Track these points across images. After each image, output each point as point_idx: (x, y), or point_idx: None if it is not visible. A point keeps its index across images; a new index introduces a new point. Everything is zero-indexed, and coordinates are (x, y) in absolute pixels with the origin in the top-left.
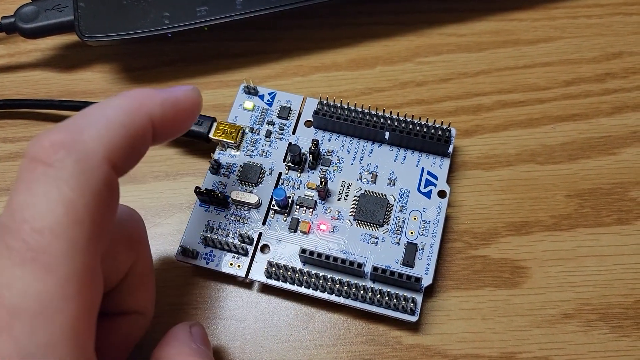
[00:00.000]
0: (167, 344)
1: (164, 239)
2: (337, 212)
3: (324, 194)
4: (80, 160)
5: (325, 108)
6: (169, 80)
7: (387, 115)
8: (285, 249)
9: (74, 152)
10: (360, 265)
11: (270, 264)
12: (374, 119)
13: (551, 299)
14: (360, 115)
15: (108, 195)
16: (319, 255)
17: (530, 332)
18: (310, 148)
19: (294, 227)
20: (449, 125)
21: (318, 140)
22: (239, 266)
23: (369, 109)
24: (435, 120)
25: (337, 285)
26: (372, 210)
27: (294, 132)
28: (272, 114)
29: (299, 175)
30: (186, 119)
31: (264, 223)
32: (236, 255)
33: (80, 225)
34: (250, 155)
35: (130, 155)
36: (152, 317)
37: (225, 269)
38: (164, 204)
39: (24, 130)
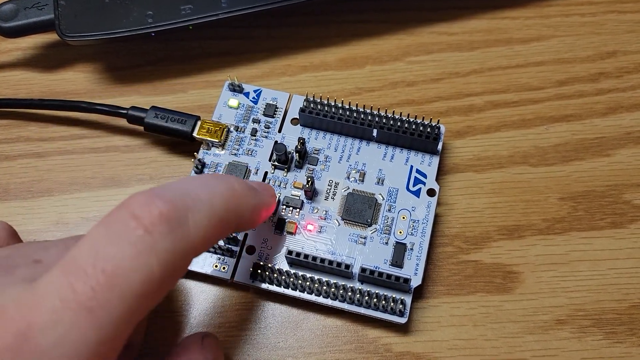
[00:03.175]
0: (177, 356)
1: None
2: (324, 212)
3: (311, 193)
4: (177, 242)
5: (312, 105)
6: (154, 80)
7: (375, 113)
8: (272, 250)
9: (176, 232)
10: (348, 266)
11: (256, 265)
12: (362, 116)
13: (544, 304)
14: (348, 113)
15: (177, 280)
16: (306, 256)
17: (522, 338)
18: (296, 146)
19: (280, 227)
20: (438, 122)
21: (304, 139)
22: (224, 268)
23: (357, 106)
24: (423, 117)
25: (325, 287)
26: (360, 210)
27: (280, 130)
28: (258, 112)
29: (285, 174)
30: (259, 224)
31: None
32: (221, 257)
33: (146, 299)
34: (235, 154)
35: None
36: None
37: (210, 271)
38: None
39: (3, 132)
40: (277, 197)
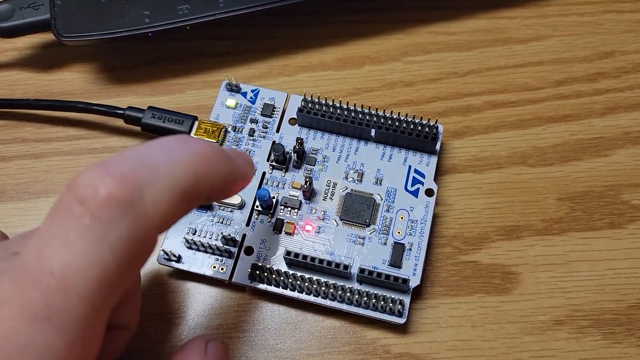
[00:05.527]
0: None
1: None
2: (322, 212)
3: (309, 193)
4: (132, 225)
5: (310, 105)
6: (151, 80)
7: (373, 113)
8: (270, 251)
9: (129, 215)
10: (346, 267)
11: (254, 266)
12: (360, 116)
13: (542, 305)
14: (346, 113)
15: (144, 261)
16: (304, 257)
17: (521, 339)
18: (294, 147)
19: (278, 228)
20: (436, 122)
21: (302, 139)
22: (222, 269)
23: (355, 106)
24: (422, 117)
25: (323, 288)
26: (358, 210)
27: (277, 130)
28: (256, 112)
29: (283, 174)
30: (233, 194)
31: (247, 224)
32: (220, 258)
33: (109, 292)
34: None
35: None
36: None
37: (209, 272)
38: None
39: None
40: (275, 198)
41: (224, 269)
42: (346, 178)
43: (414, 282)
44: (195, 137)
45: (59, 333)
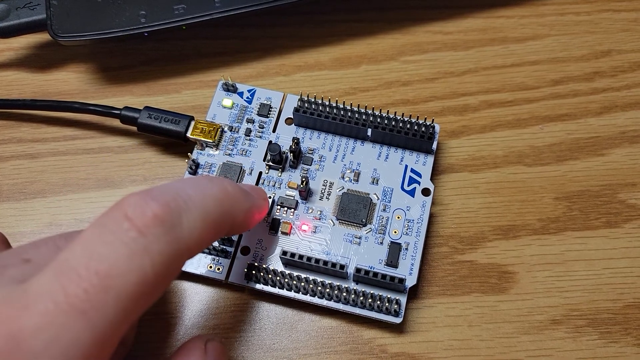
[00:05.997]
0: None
1: None
2: (319, 212)
3: (306, 193)
4: (171, 244)
5: (306, 105)
6: (147, 80)
7: (369, 112)
8: (266, 251)
9: (169, 235)
10: (342, 266)
11: (250, 266)
12: (356, 115)
13: (539, 304)
14: (342, 112)
15: (170, 281)
16: (301, 257)
17: (517, 339)
18: (290, 146)
19: (275, 228)
20: (433, 122)
21: (299, 139)
22: (218, 269)
23: (351, 106)
24: (418, 117)
25: (320, 288)
26: (354, 210)
27: (274, 130)
28: (252, 112)
29: (279, 174)
30: (252, 226)
31: None
32: (216, 258)
33: (140, 300)
34: (229, 155)
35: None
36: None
37: (205, 272)
38: None
39: None
40: (272, 198)
41: (220, 269)
42: (342, 178)
43: (411, 281)
44: (220, 177)
45: (89, 328)
